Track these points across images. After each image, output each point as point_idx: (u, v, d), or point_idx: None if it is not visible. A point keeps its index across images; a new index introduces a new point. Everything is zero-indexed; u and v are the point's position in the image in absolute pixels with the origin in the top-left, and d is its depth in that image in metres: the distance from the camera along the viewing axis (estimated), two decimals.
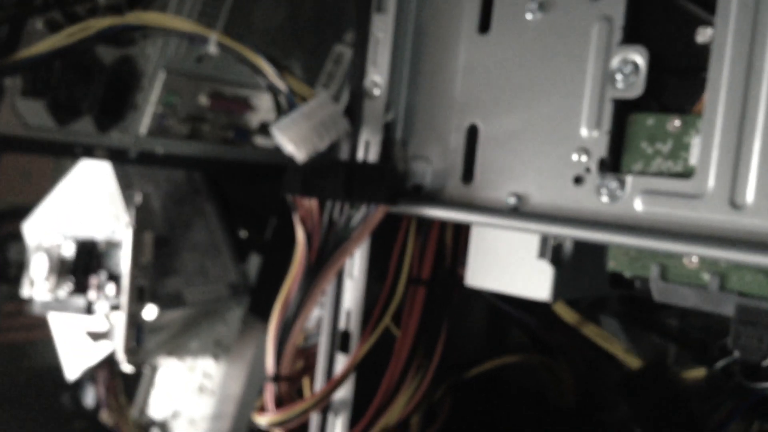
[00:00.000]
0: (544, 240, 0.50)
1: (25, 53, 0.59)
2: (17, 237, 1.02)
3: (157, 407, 0.95)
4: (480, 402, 0.62)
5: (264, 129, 0.79)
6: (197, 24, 0.56)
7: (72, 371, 0.89)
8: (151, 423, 0.96)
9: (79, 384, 1.06)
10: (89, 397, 1.07)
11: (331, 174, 0.51)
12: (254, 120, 0.78)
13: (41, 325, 1.09)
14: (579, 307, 0.58)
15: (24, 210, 0.99)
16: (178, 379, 0.93)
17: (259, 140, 0.79)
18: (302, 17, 0.75)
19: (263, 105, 0.77)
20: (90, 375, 0.99)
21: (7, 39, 0.59)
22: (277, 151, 0.81)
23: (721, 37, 0.41)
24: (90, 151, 0.68)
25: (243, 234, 0.89)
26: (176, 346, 0.91)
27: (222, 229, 0.85)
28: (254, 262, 0.88)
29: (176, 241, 0.82)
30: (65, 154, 0.68)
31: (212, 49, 0.58)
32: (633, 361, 0.58)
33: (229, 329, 0.87)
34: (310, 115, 0.53)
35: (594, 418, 0.62)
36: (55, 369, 1.08)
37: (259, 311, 0.86)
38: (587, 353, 0.60)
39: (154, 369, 0.95)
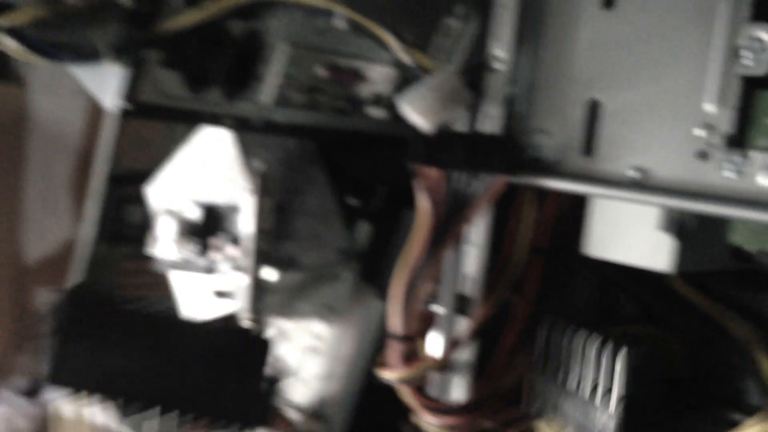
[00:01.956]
0: (665, 213, 0.51)
1: (166, 27, 0.63)
2: (134, 200, 1.08)
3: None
4: None
5: (376, 100, 0.81)
6: None
7: None
8: None
9: None
10: None
11: (453, 144, 0.54)
12: (366, 91, 0.80)
13: (158, 284, 1.15)
14: (693, 281, 0.59)
15: (139, 175, 1.05)
16: (291, 340, 0.98)
17: (372, 111, 0.82)
18: None
19: (375, 76, 0.80)
20: None
21: (148, 13, 0.63)
22: (388, 121, 0.84)
23: None
24: (218, 119, 0.72)
25: (352, 201, 0.92)
26: (289, 308, 0.95)
27: (332, 197, 0.89)
28: (363, 229, 0.91)
29: (291, 208, 0.86)
30: (196, 121, 0.72)
31: (339, 22, 0.61)
32: (746, 336, 0.59)
33: (340, 293, 0.91)
34: (435, 87, 0.55)
35: (706, 391, 0.63)
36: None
37: (369, 277, 0.90)
38: (700, 327, 0.61)
39: (271, 329, 0.99)
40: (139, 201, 1.09)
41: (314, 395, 0.94)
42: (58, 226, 1.67)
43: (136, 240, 1.10)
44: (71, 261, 1.08)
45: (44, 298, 1.68)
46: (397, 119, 0.83)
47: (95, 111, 1.60)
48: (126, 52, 0.62)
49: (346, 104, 0.79)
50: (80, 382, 0.46)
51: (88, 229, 1.05)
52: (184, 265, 0.86)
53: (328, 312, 0.93)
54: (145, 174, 1.03)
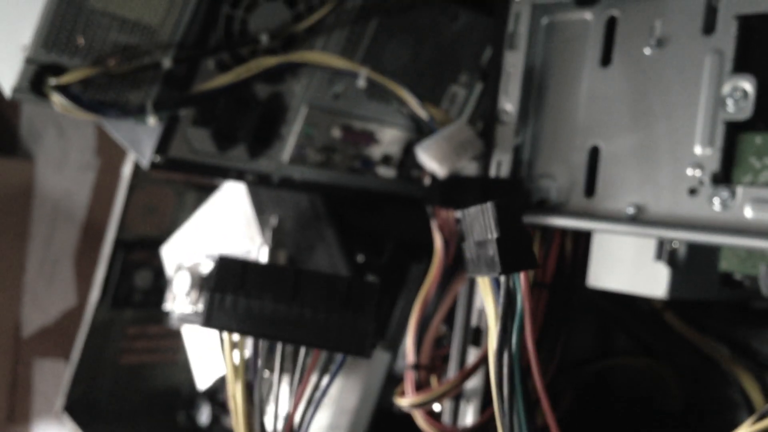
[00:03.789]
0: (661, 244, 0.56)
1: (200, 88, 0.69)
2: (143, 265, 1.13)
3: (270, 421, 1.02)
4: (589, 401, 0.68)
5: (386, 160, 0.87)
6: (350, 61, 0.65)
7: (203, 381, 0.97)
8: None
9: (193, 403, 1.14)
10: (204, 416, 1.14)
11: (468, 187, 0.59)
12: (377, 152, 0.86)
13: (160, 349, 1.18)
14: (686, 316, 0.65)
15: (149, 241, 1.10)
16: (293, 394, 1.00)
17: (381, 170, 0.88)
18: (422, 60, 0.83)
19: (386, 138, 0.86)
20: (210, 392, 1.07)
21: (185, 76, 0.69)
22: (396, 180, 0.90)
23: None
24: (242, 175, 0.78)
25: (360, 258, 0.97)
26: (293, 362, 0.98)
27: (341, 253, 0.94)
28: None
29: (301, 263, 0.91)
30: (220, 175, 0.77)
31: (361, 83, 0.67)
32: (736, 369, 0.64)
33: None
34: (449, 137, 0.61)
35: (699, 423, 0.68)
36: (173, 390, 1.17)
37: (376, 330, 0.93)
38: (693, 359, 0.66)
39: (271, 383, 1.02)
40: (147, 266, 1.13)
41: None
42: (58, 298, 1.70)
43: (142, 304, 1.14)
44: (74, 328, 1.12)
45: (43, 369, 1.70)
46: (405, 178, 0.89)
47: (102, 185, 1.65)
48: (164, 109, 0.68)
49: (358, 164, 0.85)
50: (227, 325, 0.58)
51: (95, 294, 1.09)
52: (197, 319, 0.90)
53: (333, 365, 0.97)
54: (154, 240, 1.08)
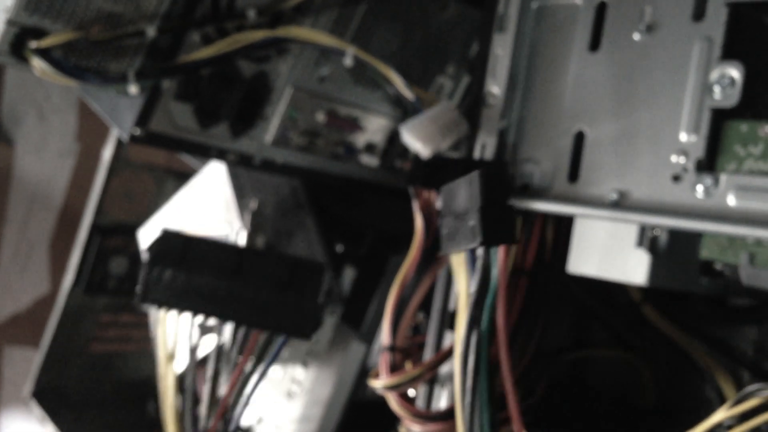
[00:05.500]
0: (642, 230, 0.56)
1: (183, 59, 0.68)
2: (119, 251, 1.11)
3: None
4: (561, 392, 0.67)
5: (369, 148, 0.87)
6: (338, 39, 0.64)
7: (180, 363, 0.96)
8: (237, 429, 1.02)
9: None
10: None
11: (451, 168, 0.59)
12: (361, 140, 0.86)
13: (134, 338, 1.17)
14: (664, 310, 0.64)
15: (126, 227, 1.08)
16: (267, 386, 0.99)
17: (365, 159, 0.87)
18: (410, 48, 0.83)
19: (371, 126, 0.86)
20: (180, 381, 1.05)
21: (169, 48, 0.68)
22: (378, 170, 0.89)
23: None
24: (223, 155, 0.77)
25: (339, 248, 0.96)
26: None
27: (320, 242, 0.93)
28: (348, 275, 0.95)
29: (280, 249, 0.90)
30: (201, 154, 0.76)
31: (348, 61, 0.66)
32: (712, 366, 0.63)
33: (321, 338, 0.94)
34: (434, 118, 0.60)
35: (672, 420, 0.67)
36: (144, 379, 1.16)
37: (351, 320, 0.93)
38: (669, 355, 0.66)
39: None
40: (123, 253, 1.12)
41: None
42: (31, 285, 1.68)
43: (117, 291, 1.12)
44: (46, 316, 1.10)
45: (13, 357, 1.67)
46: (388, 168, 0.89)
47: (81, 172, 1.64)
48: (146, 78, 0.67)
49: (341, 150, 0.84)
50: (164, 301, 0.56)
51: (69, 278, 1.07)
52: None
53: (308, 357, 0.96)
54: (131, 227, 1.06)
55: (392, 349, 0.60)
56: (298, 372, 0.96)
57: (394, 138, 0.86)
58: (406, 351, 0.61)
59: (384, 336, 0.60)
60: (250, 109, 0.76)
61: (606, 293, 0.65)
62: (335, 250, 0.95)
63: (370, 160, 0.87)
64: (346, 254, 0.95)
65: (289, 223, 0.91)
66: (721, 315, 0.65)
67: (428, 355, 0.62)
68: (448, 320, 0.61)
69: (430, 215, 0.60)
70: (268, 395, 0.98)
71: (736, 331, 0.66)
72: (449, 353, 0.59)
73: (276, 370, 0.98)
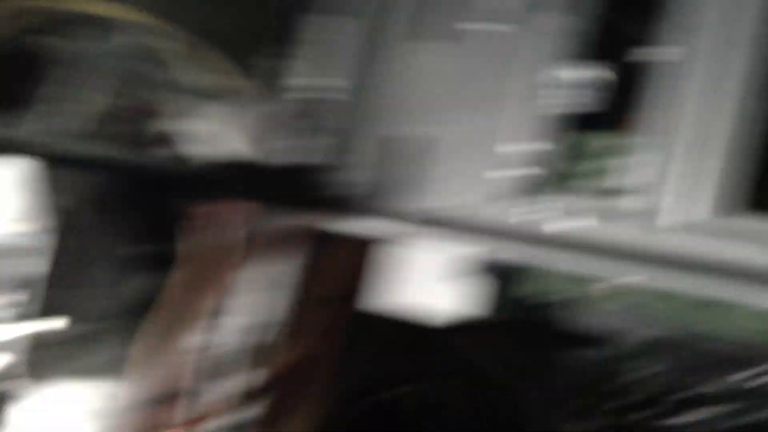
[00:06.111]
0: (453, 256, 0.50)
1: None
2: None
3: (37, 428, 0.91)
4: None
5: (171, 139, 0.78)
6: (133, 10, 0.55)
7: None
8: None
9: None
10: None
11: (232, 176, 0.51)
12: (164, 129, 0.77)
13: None
14: (474, 339, 0.58)
15: None
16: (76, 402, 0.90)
17: (166, 150, 0.78)
18: (228, 26, 0.75)
19: (170, 112, 0.77)
20: None
21: None
22: (180, 159, 0.81)
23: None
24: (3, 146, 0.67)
25: (137, 247, 0.87)
26: (74, 365, 0.88)
27: (125, 245, 0.84)
28: (152, 279, 0.87)
29: (83, 254, 0.81)
30: None
31: (152, 40, 0.57)
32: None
33: (123, 345, 0.85)
34: (231, 113, 0.52)
35: None
36: None
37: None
38: (481, 384, 0.60)
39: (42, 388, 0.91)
40: None
41: None
42: None
43: None
44: None
45: None
46: (191, 161, 0.80)
47: None
48: None
49: (141, 139, 0.75)
50: None
51: None
52: None
53: (118, 368, 0.87)
54: None
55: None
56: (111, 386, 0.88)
57: (200, 129, 0.78)
58: None
59: None
60: (30, 91, 0.66)
61: (416, 321, 0.58)
62: (136, 248, 0.86)
63: (171, 152, 0.78)
64: (159, 256, 0.87)
65: (93, 226, 0.82)
66: (530, 341, 0.59)
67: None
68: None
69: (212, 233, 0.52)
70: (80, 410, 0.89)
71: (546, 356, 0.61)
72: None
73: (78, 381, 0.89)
